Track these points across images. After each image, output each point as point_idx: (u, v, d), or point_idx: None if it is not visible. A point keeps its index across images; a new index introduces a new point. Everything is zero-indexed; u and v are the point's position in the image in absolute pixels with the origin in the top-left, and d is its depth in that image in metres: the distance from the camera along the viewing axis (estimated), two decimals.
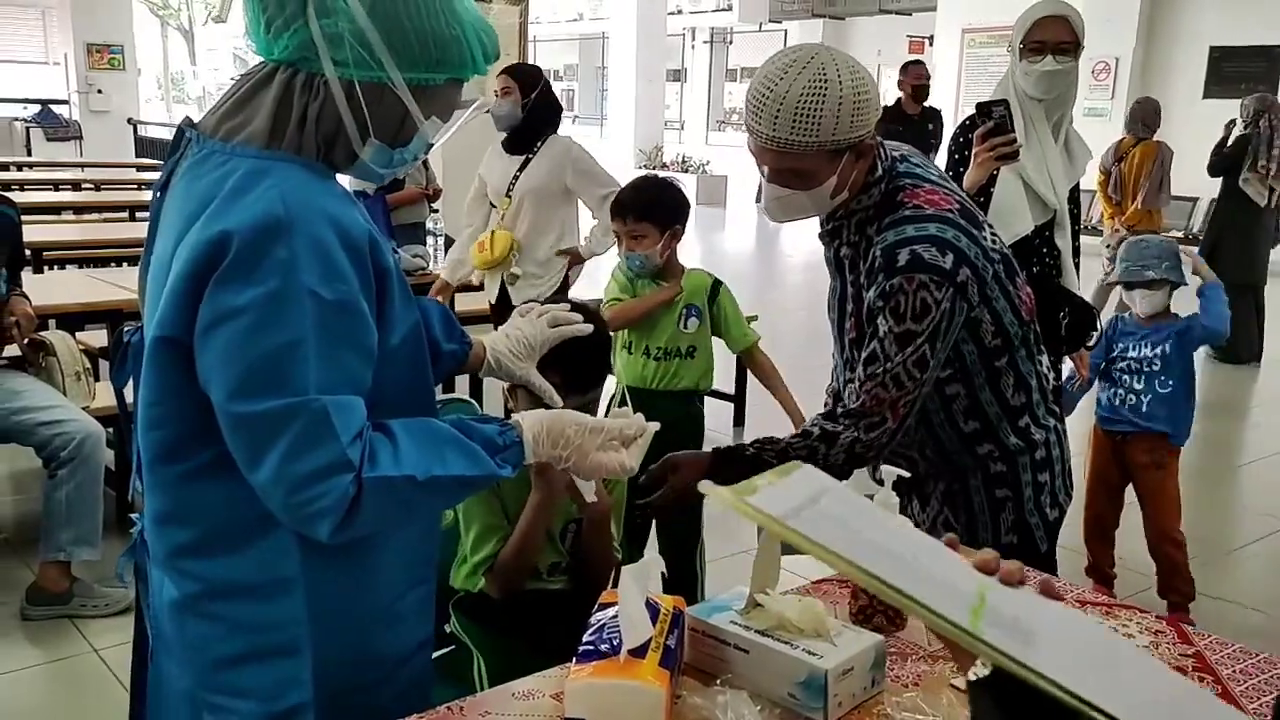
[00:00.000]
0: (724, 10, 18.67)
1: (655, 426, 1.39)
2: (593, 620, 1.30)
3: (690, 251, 12.22)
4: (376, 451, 1.13)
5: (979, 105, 2.60)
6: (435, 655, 1.86)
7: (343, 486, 1.10)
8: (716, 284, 2.92)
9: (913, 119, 6.73)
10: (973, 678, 0.78)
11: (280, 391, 1.08)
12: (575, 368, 1.71)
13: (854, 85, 1.57)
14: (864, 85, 1.59)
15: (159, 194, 1.24)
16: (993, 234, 1.73)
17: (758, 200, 1.77)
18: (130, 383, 1.31)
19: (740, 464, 1.68)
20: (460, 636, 1.81)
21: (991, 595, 0.77)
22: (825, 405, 1.76)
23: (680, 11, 18.78)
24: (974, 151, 2.56)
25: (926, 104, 6.94)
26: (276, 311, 1.07)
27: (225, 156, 1.15)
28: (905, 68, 6.97)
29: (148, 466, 1.22)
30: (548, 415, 1.31)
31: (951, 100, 11.68)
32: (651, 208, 2.77)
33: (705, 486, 0.81)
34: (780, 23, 19.72)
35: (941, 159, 6.32)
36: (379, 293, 1.17)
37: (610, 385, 2.79)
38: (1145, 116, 6.77)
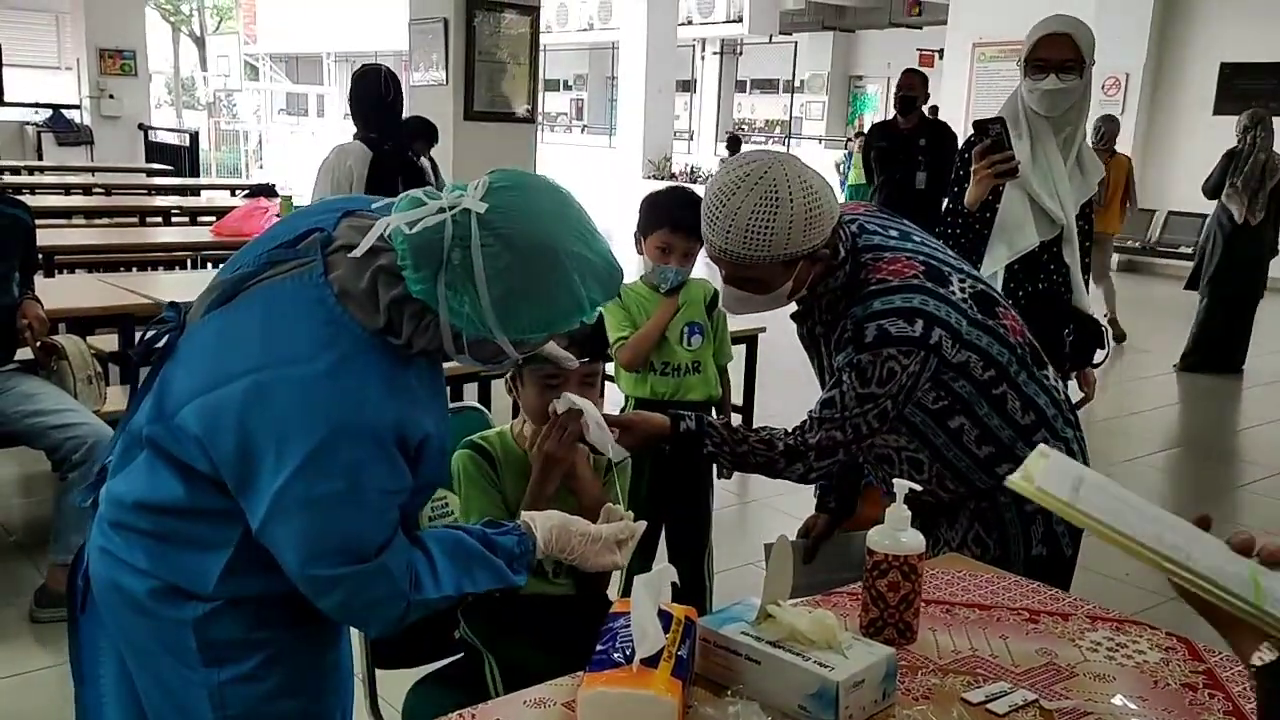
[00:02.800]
0: (734, 22, 18.73)
1: (643, 526, 1.57)
2: (604, 629, 1.30)
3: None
4: (420, 576, 1.29)
5: (976, 123, 2.61)
6: (445, 662, 1.88)
7: (398, 611, 1.29)
8: (715, 294, 2.87)
9: (902, 134, 6.11)
10: (1259, 662, 0.78)
11: (349, 561, 1.24)
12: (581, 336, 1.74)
13: (805, 201, 1.61)
14: (816, 200, 1.63)
15: (260, 269, 1.28)
16: (960, 281, 1.76)
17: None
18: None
19: (694, 453, 1.77)
20: (470, 639, 1.82)
21: (1262, 578, 0.79)
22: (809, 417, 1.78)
23: (690, 22, 18.84)
24: (973, 169, 2.56)
25: (935, 118, 6.64)
26: (350, 503, 1.21)
27: (330, 313, 1.22)
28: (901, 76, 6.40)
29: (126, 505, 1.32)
30: (557, 525, 1.47)
31: (962, 113, 11.68)
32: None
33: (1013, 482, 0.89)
34: (790, 34, 19.79)
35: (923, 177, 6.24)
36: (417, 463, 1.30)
37: (619, 397, 2.80)
38: (1111, 133, 7.55)
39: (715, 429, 1.79)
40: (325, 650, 1.45)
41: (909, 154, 6.06)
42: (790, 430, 1.77)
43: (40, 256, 4.06)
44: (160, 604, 1.30)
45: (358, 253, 1.22)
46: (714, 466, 2.14)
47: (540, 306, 1.24)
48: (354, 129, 4.25)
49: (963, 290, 1.75)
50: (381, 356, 1.24)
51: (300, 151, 19.27)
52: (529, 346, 1.31)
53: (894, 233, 1.81)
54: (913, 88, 6.13)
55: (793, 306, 1.86)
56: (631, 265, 2.81)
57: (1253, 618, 0.72)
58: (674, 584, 1.37)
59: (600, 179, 14.79)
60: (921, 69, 8.27)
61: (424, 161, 4.33)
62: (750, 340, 5.25)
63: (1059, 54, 2.54)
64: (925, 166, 6.05)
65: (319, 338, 1.21)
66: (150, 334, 1.35)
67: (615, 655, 1.23)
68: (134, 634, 1.34)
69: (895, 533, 1.43)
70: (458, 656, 1.86)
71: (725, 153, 14.23)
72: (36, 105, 11.46)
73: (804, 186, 1.62)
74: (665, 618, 1.28)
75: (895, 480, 1.47)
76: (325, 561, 1.23)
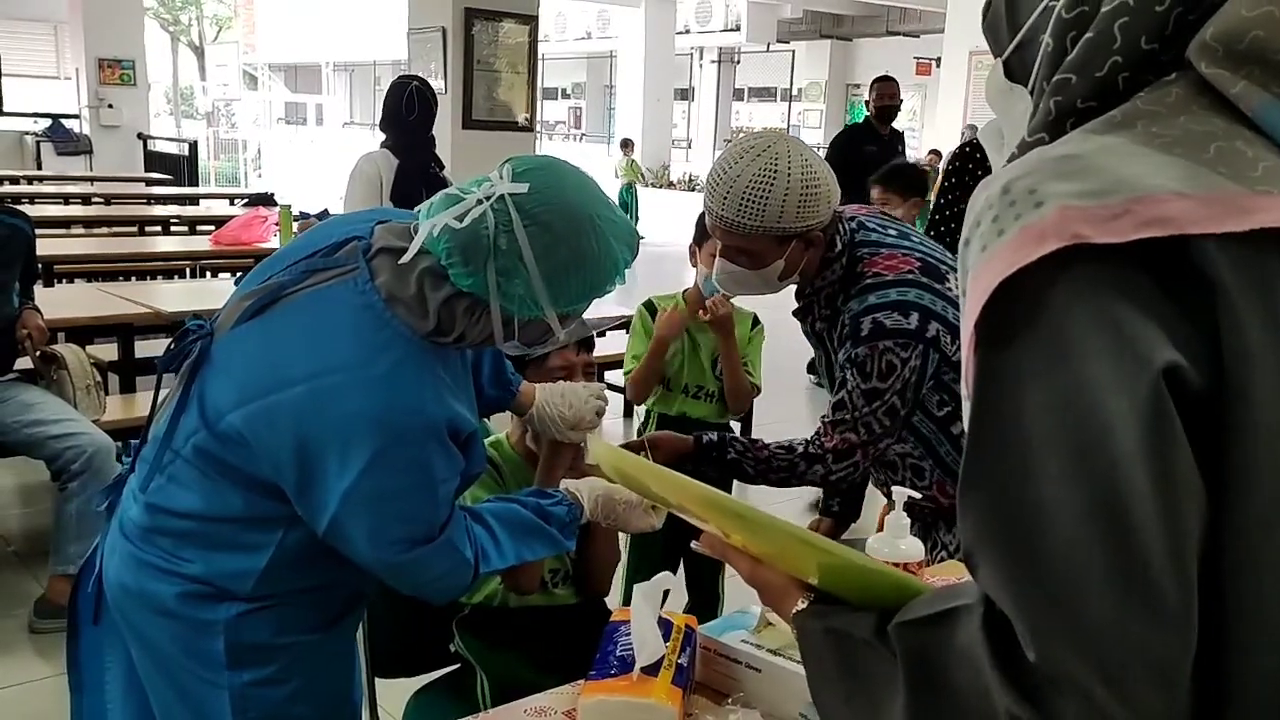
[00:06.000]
0: (732, 30, 18.79)
1: None
2: (605, 637, 1.31)
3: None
4: (485, 549, 1.37)
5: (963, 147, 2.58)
6: (442, 673, 1.88)
7: (465, 580, 1.36)
8: (756, 323, 2.81)
9: (884, 138, 6.17)
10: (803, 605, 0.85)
11: (417, 544, 1.30)
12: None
13: (804, 178, 1.65)
14: (815, 179, 1.66)
15: (296, 279, 1.30)
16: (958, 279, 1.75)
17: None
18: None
19: (720, 464, 1.80)
20: (464, 654, 1.82)
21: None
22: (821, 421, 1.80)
23: (688, 31, 18.90)
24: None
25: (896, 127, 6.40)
26: (415, 495, 1.27)
27: (380, 319, 1.26)
28: (873, 84, 6.30)
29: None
30: (601, 493, 1.55)
31: (959, 122, 11.72)
32: None
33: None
34: (788, 43, 19.85)
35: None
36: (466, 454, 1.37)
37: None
38: None
39: (738, 440, 1.83)
40: (342, 658, 1.48)
41: (894, 159, 6.09)
42: (809, 438, 1.79)
43: (40, 266, 4.07)
44: (190, 606, 1.32)
45: (407, 257, 1.27)
46: (733, 483, 2.16)
47: (585, 274, 1.30)
48: (383, 137, 4.35)
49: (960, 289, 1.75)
50: (431, 357, 1.29)
51: (299, 160, 19.33)
52: (572, 320, 1.37)
53: (892, 232, 1.83)
54: (894, 96, 6.17)
55: (795, 305, 1.87)
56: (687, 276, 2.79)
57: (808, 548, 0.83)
58: (697, 595, 1.40)
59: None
60: (919, 78, 8.17)
61: (446, 174, 4.41)
62: None
63: None
64: None
65: (373, 342, 1.25)
66: (179, 343, 1.35)
67: (615, 663, 1.23)
68: (154, 639, 1.36)
69: (894, 540, 1.43)
70: (456, 667, 1.86)
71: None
72: (36, 115, 11.46)
73: (804, 164, 1.66)
74: (665, 626, 1.29)
75: (894, 489, 1.48)
76: (395, 548, 1.29)
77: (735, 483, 2.07)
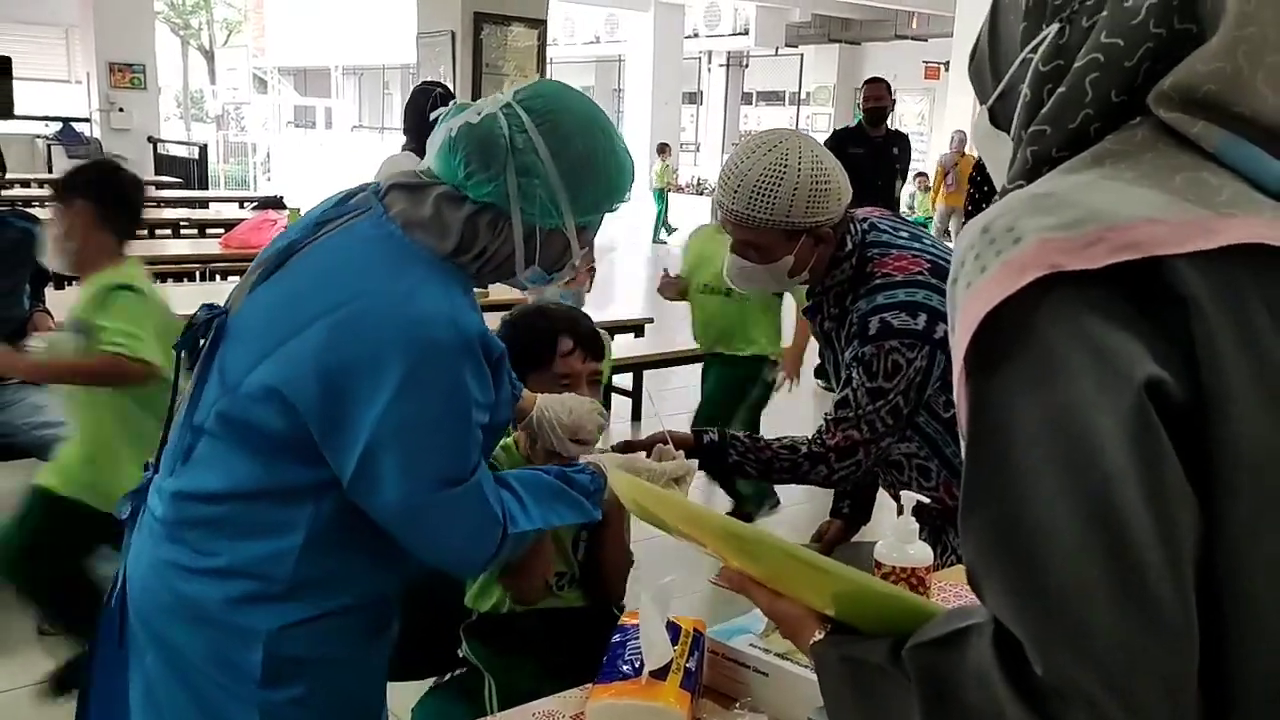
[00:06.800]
0: (740, 34, 18.80)
1: (695, 464, 1.64)
2: (613, 641, 1.30)
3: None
4: (511, 510, 1.32)
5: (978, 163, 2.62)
6: (449, 677, 1.88)
7: (494, 539, 1.30)
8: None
9: (874, 141, 6.04)
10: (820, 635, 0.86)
11: (448, 484, 1.24)
12: (587, 339, 1.81)
13: (814, 173, 1.67)
14: (825, 175, 1.69)
15: (308, 233, 1.31)
16: None
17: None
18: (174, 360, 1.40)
19: (720, 465, 1.81)
20: (471, 659, 1.82)
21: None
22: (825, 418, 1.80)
23: (697, 35, 18.91)
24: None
25: (893, 128, 6.40)
26: (448, 419, 1.23)
27: (399, 244, 1.26)
28: (863, 86, 6.31)
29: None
30: (623, 463, 1.54)
31: (967, 125, 11.69)
32: None
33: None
34: (796, 47, 19.85)
35: (908, 187, 6.25)
36: (495, 381, 1.33)
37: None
38: None
39: (739, 439, 1.82)
40: (370, 679, 1.44)
41: (889, 163, 6.03)
42: (811, 436, 1.79)
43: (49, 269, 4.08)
44: (234, 611, 1.28)
45: (422, 165, 1.28)
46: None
47: (600, 177, 1.32)
48: (400, 140, 4.49)
49: None
50: (457, 276, 1.29)
51: (308, 163, 19.37)
52: (587, 236, 1.38)
53: (904, 234, 1.83)
54: (881, 98, 6.12)
55: (806, 304, 1.88)
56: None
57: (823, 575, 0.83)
58: None
59: None
60: (928, 82, 8.32)
61: None
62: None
63: None
64: (900, 175, 6.08)
65: (394, 264, 1.24)
66: (197, 326, 1.34)
67: (623, 667, 1.23)
68: (181, 648, 1.31)
69: (903, 545, 1.42)
70: (463, 670, 1.86)
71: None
72: (47, 118, 11.52)
73: (815, 160, 1.68)
74: (673, 630, 1.29)
75: (903, 493, 1.47)
76: (425, 485, 1.23)
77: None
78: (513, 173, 1.26)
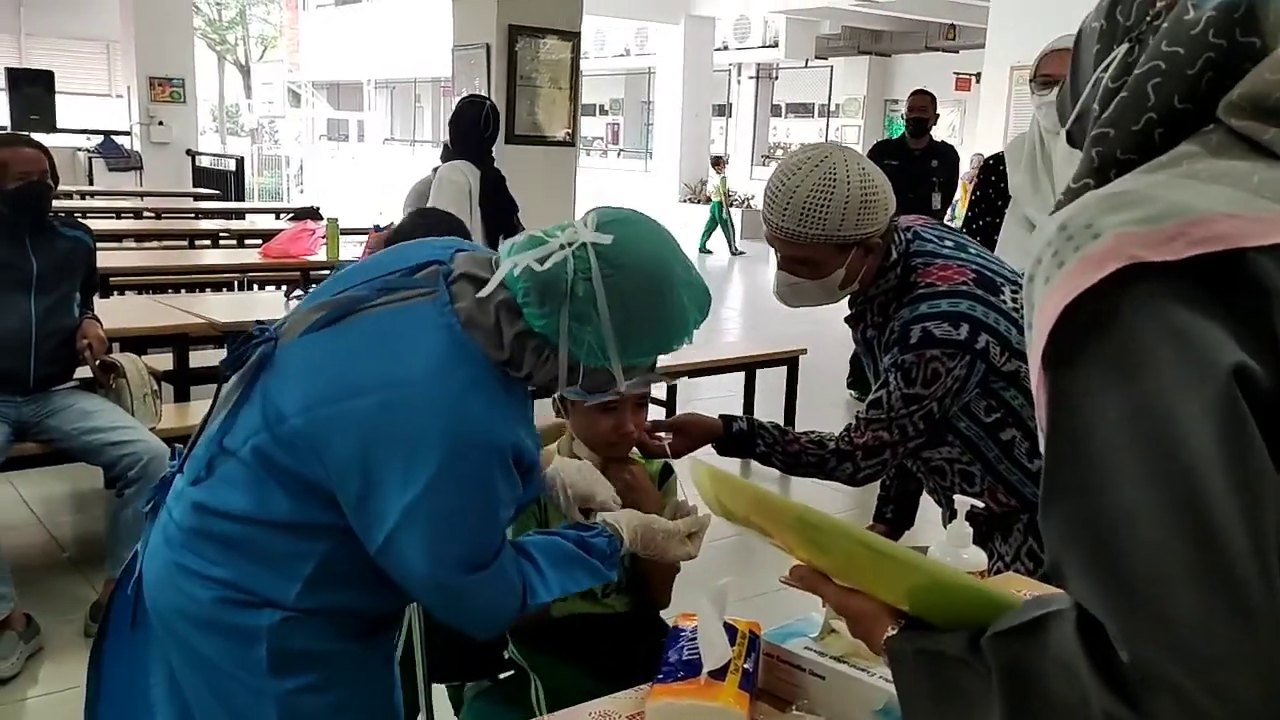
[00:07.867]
0: (770, 47, 18.78)
1: (709, 518, 1.58)
2: (669, 641, 1.31)
3: (737, 283, 12.23)
4: (531, 582, 1.36)
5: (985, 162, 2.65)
6: (493, 681, 1.89)
7: (512, 610, 1.36)
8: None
9: (912, 153, 5.94)
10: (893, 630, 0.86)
11: (474, 568, 1.30)
12: None
13: (862, 185, 1.68)
14: (873, 187, 1.69)
15: (372, 294, 1.32)
16: (1014, 292, 1.78)
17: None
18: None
19: (747, 455, 1.82)
20: (517, 660, 1.83)
21: None
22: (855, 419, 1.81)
23: (727, 47, 18.91)
24: None
25: (938, 140, 6.28)
26: (476, 514, 1.28)
27: (458, 341, 1.27)
28: (908, 97, 6.18)
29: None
30: (640, 525, 1.57)
31: (1000, 138, 11.63)
32: None
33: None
34: (826, 59, 19.81)
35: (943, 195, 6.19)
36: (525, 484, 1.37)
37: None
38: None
39: (767, 430, 1.83)
40: (382, 666, 1.48)
41: (924, 175, 5.97)
42: (840, 433, 1.80)
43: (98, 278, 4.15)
44: (230, 612, 1.32)
45: (485, 292, 1.28)
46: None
47: (656, 330, 1.32)
48: (438, 151, 4.70)
49: (1015, 301, 1.76)
50: (502, 385, 1.30)
51: (340, 176, 19.54)
52: (637, 372, 1.37)
53: (949, 243, 1.84)
54: (924, 109, 6.05)
55: (848, 312, 1.88)
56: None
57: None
58: None
59: (635, 203, 14.80)
60: (959, 93, 8.15)
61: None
62: (791, 361, 5.25)
63: (1064, 68, 2.54)
64: (940, 188, 6.01)
65: (449, 361, 1.26)
66: (243, 347, 1.37)
67: (681, 667, 1.23)
68: (197, 646, 1.35)
69: (956, 550, 1.42)
70: (510, 673, 1.86)
71: (762, 174, 14.63)
72: (88, 131, 11.70)
73: (862, 173, 1.69)
74: (730, 631, 1.29)
75: (956, 497, 1.47)
76: (452, 569, 1.29)
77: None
78: (566, 316, 1.28)
